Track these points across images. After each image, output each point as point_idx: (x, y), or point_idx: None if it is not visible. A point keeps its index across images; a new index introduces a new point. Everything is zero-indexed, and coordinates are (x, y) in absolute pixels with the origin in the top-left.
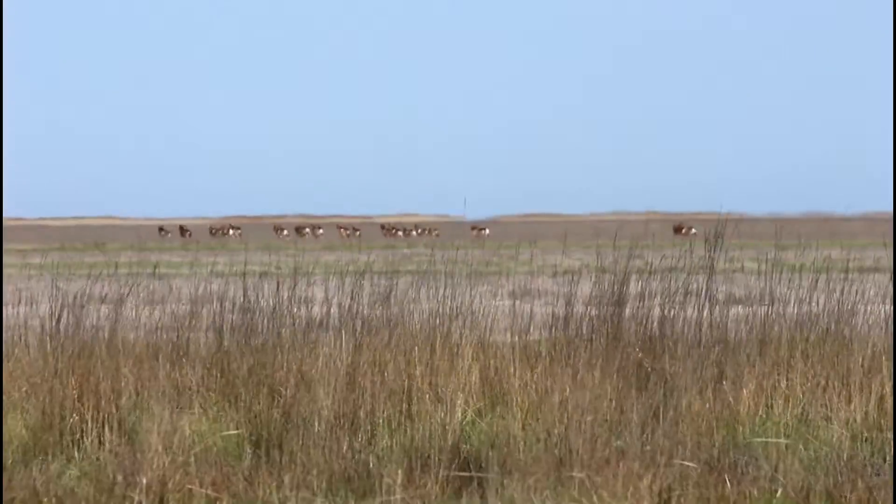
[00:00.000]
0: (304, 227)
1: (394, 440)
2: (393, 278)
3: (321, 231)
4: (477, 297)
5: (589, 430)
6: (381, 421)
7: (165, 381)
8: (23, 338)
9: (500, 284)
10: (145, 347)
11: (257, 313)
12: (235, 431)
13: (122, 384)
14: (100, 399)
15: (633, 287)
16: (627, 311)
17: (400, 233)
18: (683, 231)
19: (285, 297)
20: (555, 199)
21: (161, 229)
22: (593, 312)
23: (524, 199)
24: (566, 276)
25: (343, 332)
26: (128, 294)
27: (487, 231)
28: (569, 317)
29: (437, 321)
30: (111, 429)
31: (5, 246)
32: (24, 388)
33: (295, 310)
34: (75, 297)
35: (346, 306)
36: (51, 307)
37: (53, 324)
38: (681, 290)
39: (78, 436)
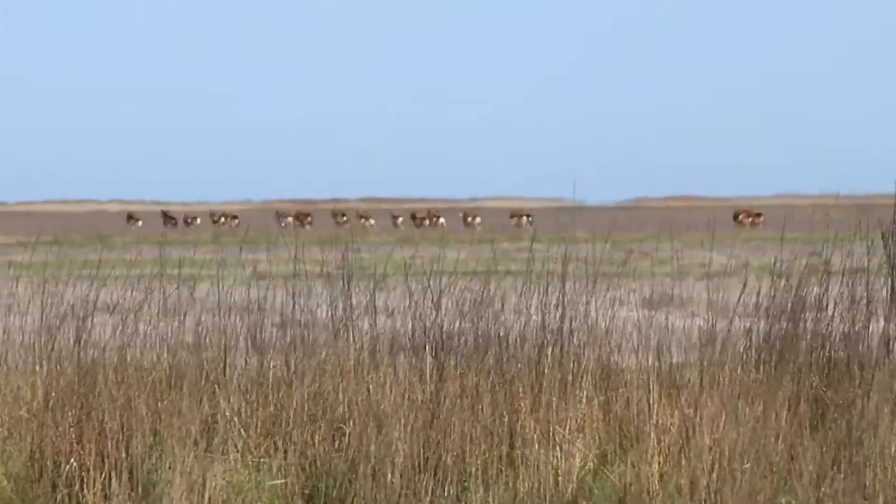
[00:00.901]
0: (366, 216)
1: (491, 494)
2: (487, 281)
3: (372, 221)
4: (600, 307)
5: (748, 483)
6: (474, 469)
7: (191, 417)
8: (5, 359)
9: (631, 289)
10: (165, 372)
11: (311, 328)
12: (283, 481)
13: (135, 420)
14: (105, 440)
15: (808, 294)
16: (801, 325)
17: (425, 221)
18: (740, 218)
19: (347, 307)
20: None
21: (166, 215)
22: (756, 327)
23: (665, 179)
24: (719, 279)
25: (424, 352)
26: (143, 302)
27: (528, 218)
28: (722, 333)
29: (547, 339)
30: (119, 479)
31: None
32: (5, 426)
33: (361, 323)
34: (74, 307)
35: (428, 319)
36: (43, 319)
37: (45, 341)
38: (865, 298)
39: (76, 488)
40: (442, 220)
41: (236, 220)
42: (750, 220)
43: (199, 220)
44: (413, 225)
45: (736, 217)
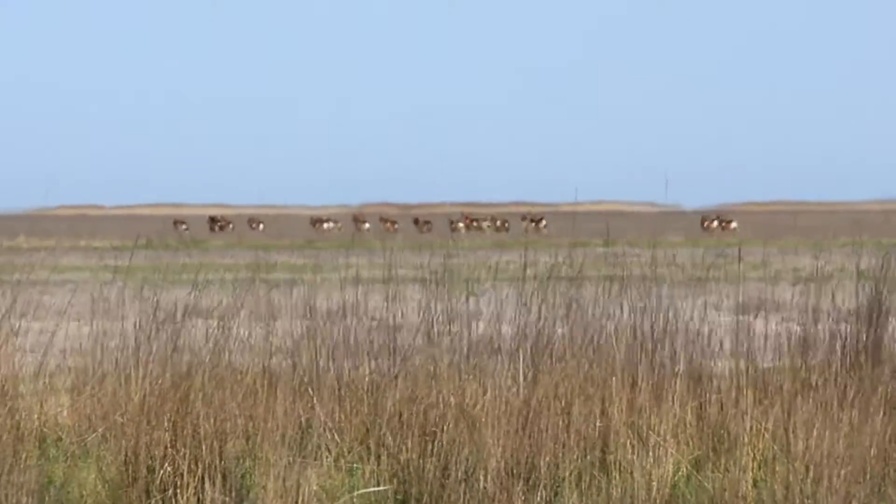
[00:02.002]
0: (472, 219)
1: (584, 499)
2: (579, 285)
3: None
4: (693, 312)
5: (843, 488)
6: (567, 474)
7: (285, 421)
8: (101, 363)
9: (724, 294)
10: (259, 376)
11: (405, 332)
12: (377, 488)
13: (229, 425)
14: (200, 444)
15: None
16: (893, 329)
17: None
18: (706, 224)
19: (441, 311)
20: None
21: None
22: (850, 331)
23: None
24: (813, 284)
25: (518, 357)
26: (240, 307)
27: (544, 222)
28: (816, 337)
29: (641, 344)
30: (214, 483)
31: (72, 242)
32: (100, 430)
33: (454, 328)
34: (170, 311)
35: (522, 323)
36: (138, 323)
37: (142, 346)
38: None
39: (171, 492)
40: (544, 222)
41: (330, 224)
42: (721, 225)
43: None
44: (495, 229)
45: (703, 223)
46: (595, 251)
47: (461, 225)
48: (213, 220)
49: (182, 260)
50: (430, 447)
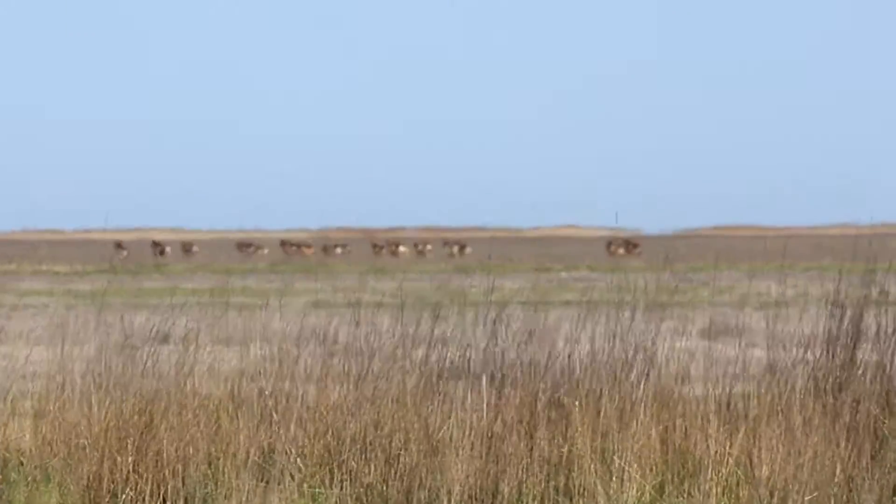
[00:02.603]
0: (394, 244)
1: None
2: (543, 311)
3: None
4: (658, 336)
5: None
6: (529, 499)
7: (248, 446)
8: (63, 388)
9: (688, 319)
10: (223, 401)
11: (368, 356)
12: None
13: (192, 450)
14: (163, 468)
15: (868, 323)
16: (860, 354)
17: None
18: (612, 248)
19: (403, 335)
20: (759, 207)
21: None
22: (815, 357)
23: (720, 207)
24: (777, 309)
25: (482, 381)
26: (203, 332)
27: (469, 249)
28: (782, 362)
29: (605, 368)
30: None
31: (33, 267)
32: (62, 454)
33: (418, 352)
34: (133, 336)
35: (484, 348)
36: (101, 348)
37: (104, 369)
38: None
39: None
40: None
41: (264, 250)
42: (622, 250)
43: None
44: (416, 253)
45: (609, 246)
46: (559, 276)
47: (383, 250)
48: (154, 244)
49: (145, 284)
50: (393, 471)
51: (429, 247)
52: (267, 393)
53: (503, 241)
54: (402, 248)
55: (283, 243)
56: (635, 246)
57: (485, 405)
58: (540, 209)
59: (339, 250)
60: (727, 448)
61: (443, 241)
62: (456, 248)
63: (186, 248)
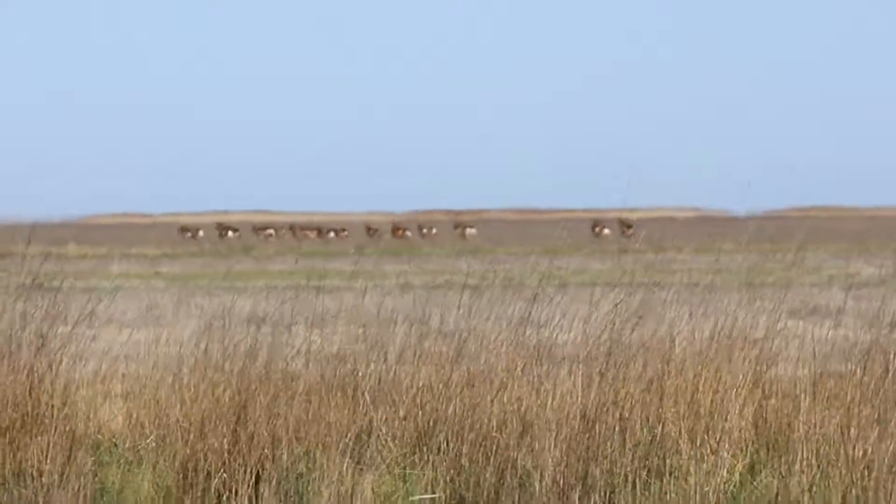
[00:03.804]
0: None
1: (638, 503)
2: (648, 291)
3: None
4: (751, 318)
5: None
6: (620, 480)
7: (341, 427)
8: (156, 370)
9: (778, 300)
10: (316, 382)
11: (464, 337)
12: (431, 495)
13: (285, 431)
14: (256, 450)
15: None
16: None
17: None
18: (596, 230)
19: (497, 318)
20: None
21: (225, 228)
22: None
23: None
24: (867, 289)
25: (579, 363)
26: (293, 314)
27: (474, 230)
28: (874, 343)
29: (701, 347)
30: (269, 489)
31: (122, 249)
32: (153, 436)
33: (514, 334)
34: (225, 318)
35: (581, 330)
36: (193, 330)
37: (198, 353)
38: None
39: (226, 497)
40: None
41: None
42: (622, 230)
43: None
44: (420, 236)
45: (593, 228)
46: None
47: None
48: (220, 225)
49: (234, 267)
50: (485, 453)
51: (471, 230)
52: (359, 374)
53: (588, 222)
54: (470, 231)
55: (368, 228)
56: (629, 227)
57: (579, 387)
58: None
59: (433, 230)
60: (819, 428)
61: (452, 223)
62: (461, 230)
63: (258, 230)
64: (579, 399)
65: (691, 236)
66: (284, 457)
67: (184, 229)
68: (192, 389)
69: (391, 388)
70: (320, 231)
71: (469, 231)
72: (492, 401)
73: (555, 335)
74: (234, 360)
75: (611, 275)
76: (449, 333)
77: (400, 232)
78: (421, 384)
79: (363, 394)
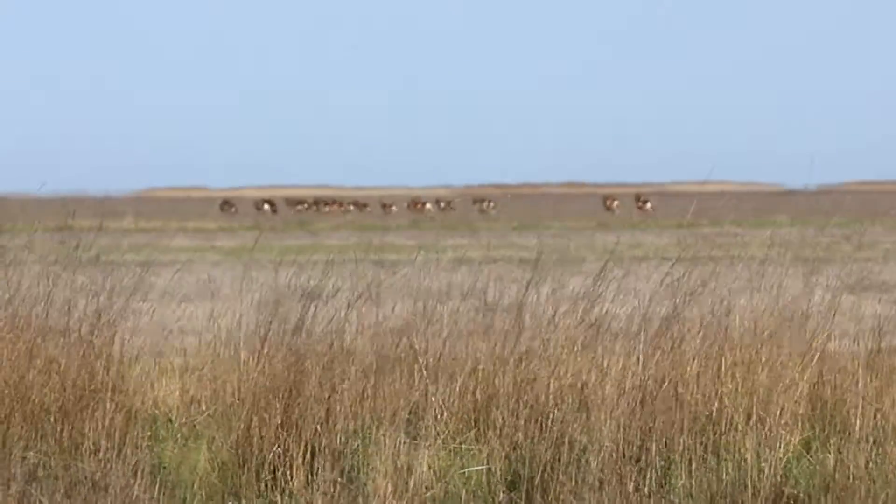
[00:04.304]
0: (418, 202)
1: (694, 480)
2: (700, 264)
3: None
4: (807, 292)
5: None
6: (677, 456)
7: (396, 402)
8: (212, 345)
9: (830, 272)
10: (371, 357)
11: (521, 311)
12: (485, 467)
13: (340, 406)
14: (311, 425)
15: None
16: None
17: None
18: (607, 203)
19: (551, 292)
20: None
21: (268, 203)
22: None
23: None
24: None
25: (636, 338)
26: (348, 288)
27: (492, 204)
28: None
29: (757, 322)
30: (324, 464)
31: (179, 223)
32: (209, 411)
33: (565, 308)
34: (281, 293)
35: (634, 305)
36: (249, 305)
37: (254, 327)
38: None
39: (281, 472)
40: (649, 204)
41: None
42: (638, 205)
43: (394, 207)
44: (440, 209)
45: (604, 202)
46: (702, 231)
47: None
48: (262, 202)
49: (290, 241)
50: (542, 429)
51: (648, 204)
52: (416, 349)
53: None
54: (428, 205)
55: (414, 202)
56: (645, 202)
57: (636, 362)
58: (681, 163)
59: (490, 204)
60: (876, 403)
61: (471, 199)
62: (483, 204)
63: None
64: (636, 375)
65: (746, 210)
66: (339, 431)
67: (226, 203)
68: (248, 364)
69: (447, 362)
70: (340, 204)
71: (614, 204)
72: (548, 376)
73: (612, 310)
74: (290, 336)
75: (666, 249)
76: (506, 308)
77: (419, 206)
78: (477, 358)
79: (419, 369)
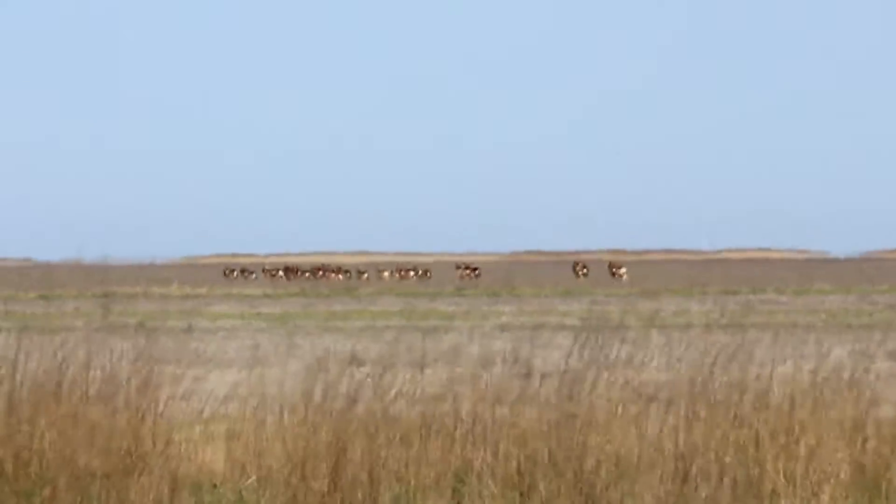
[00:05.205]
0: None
1: None
2: (737, 333)
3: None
4: (850, 358)
5: None
6: None
7: (440, 467)
8: (257, 411)
9: (873, 340)
10: (416, 423)
11: (554, 378)
12: None
13: (384, 472)
14: (355, 490)
15: None
16: None
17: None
18: (577, 268)
19: (592, 359)
20: None
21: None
22: None
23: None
24: None
25: (673, 405)
26: (392, 354)
27: (477, 271)
28: None
29: (800, 388)
30: None
31: (223, 290)
32: (254, 477)
33: (608, 375)
34: (323, 359)
35: (677, 370)
36: (293, 371)
37: (297, 393)
38: None
39: None
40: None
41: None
42: (585, 271)
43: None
44: (418, 277)
45: (574, 267)
46: (745, 298)
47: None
48: (287, 269)
49: (335, 307)
50: (583, 494)
51: (427, 272)
52: (460, 415)
53: (688, 263)
54: (385, 274)
55: (458, 266)
56: (618, 268)
57: (676, 428)
58: (726, 231)
59: (585, 270)
60: None
61: (455, 265)
62: (468, 271)
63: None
64: (676, 440)
65: (789, 277)
66: (384, 497)
67: (243, 270)
68: (293, 431)
69: (491, 428)
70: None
71: (583, 271)
72: (587, 442)
73: (652, 375)
74: (335, 402)
75: (709, 316)
76: (548, 374)
77: (402, 273)
78: (520, 424)
79: (463, 434)
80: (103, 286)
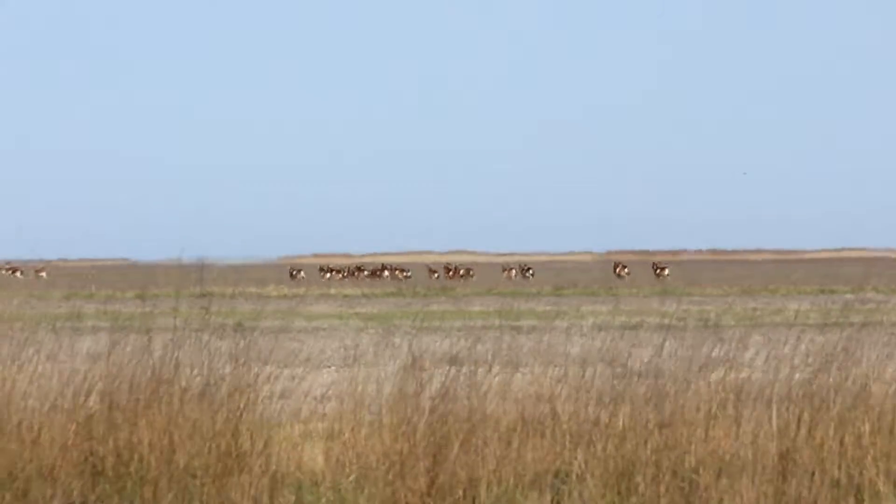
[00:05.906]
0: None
1: None
2: (827, 332)
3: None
4: None
5: None
6: None
7: (539, 466)
8: (356, 411)
9: None
10: (514, 422)
11: (652, 378)
12: None
13: (484, 471)
14: (454, 489)
15: None
16: None
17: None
18: (617, 270)
19: (690, 359)
20: None
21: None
22: None
23: None
24: None
25: (775, 405)
26: (490, 353)
27: (514, 272)
28: None
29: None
30: None
31: (321, 290)
32: (354, 475)
33: (710, 374)
34: (423, 358)
35: (777, 371)
36: (392, 370)
37: (397, 393)
38: None
39: None
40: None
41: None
42: (519, 274)
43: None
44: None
45: (615, 268)
46: (844, 297)
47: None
48: (321, 269)
49: (431, 307)
50: (684, 493)
51: (666, 271)
52: (558, 415)
53: (785, 262)
54: (664, 271)
55: (505, 268)
56: (662, 268)
57: (776, 428)
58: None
59: (625, 270)
60: None
61: (501, 266)
62: (521, 272)
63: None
64: (776, 440)
65: (888, 276)
66: (483, 497)
67: (294, 269)
68: (391, 430)
69: (590, 428)
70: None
71: (664, 272)
72: (688, 441)
73: (752, 375)
74: (432, 401)
75: (807, 315)
76: (646, 373)
77: (451, 273)
78: (618, 424)
79: (564, 434)
80: (201, 286)
